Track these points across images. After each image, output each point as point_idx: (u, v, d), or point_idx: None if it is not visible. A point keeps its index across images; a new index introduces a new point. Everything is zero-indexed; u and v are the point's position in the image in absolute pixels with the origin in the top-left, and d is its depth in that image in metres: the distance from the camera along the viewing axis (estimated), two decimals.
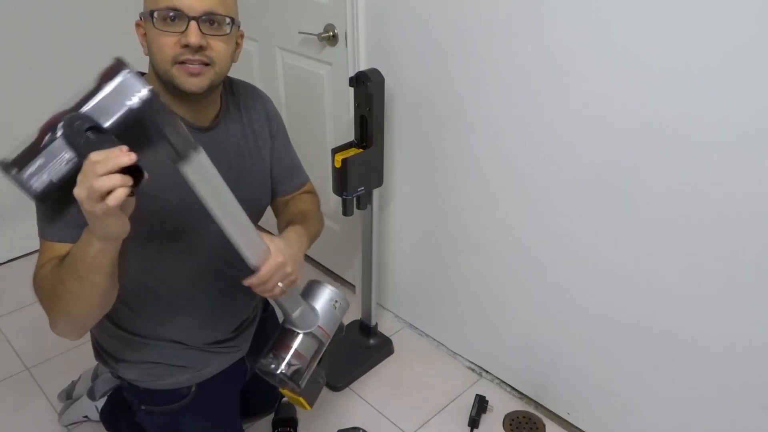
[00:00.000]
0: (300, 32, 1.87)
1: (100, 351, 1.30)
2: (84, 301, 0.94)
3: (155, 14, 0.98)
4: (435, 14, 1.49)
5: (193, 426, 1.34)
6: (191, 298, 1.22)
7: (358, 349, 1.93)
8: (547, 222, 1.48)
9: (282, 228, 1.25)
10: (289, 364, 1.11)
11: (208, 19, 1.00)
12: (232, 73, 1.14)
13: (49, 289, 0.96)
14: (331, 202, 2.11)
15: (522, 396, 1.77)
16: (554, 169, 1.41)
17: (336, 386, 1.80)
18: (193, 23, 0.98)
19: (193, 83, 1.02)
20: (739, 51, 1.05)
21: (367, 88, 1.51)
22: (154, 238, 1.10)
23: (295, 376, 1.11)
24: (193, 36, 0.98)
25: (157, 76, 1.04)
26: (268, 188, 1.30)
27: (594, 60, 1.24)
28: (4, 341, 1.98)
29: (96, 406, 1.61)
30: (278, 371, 1.11)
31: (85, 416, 1.64)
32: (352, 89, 1.57)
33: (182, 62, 1.00)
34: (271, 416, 1.68)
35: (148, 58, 1.06)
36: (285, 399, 1.70)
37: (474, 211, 1.65)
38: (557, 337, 1.60)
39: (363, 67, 1.71)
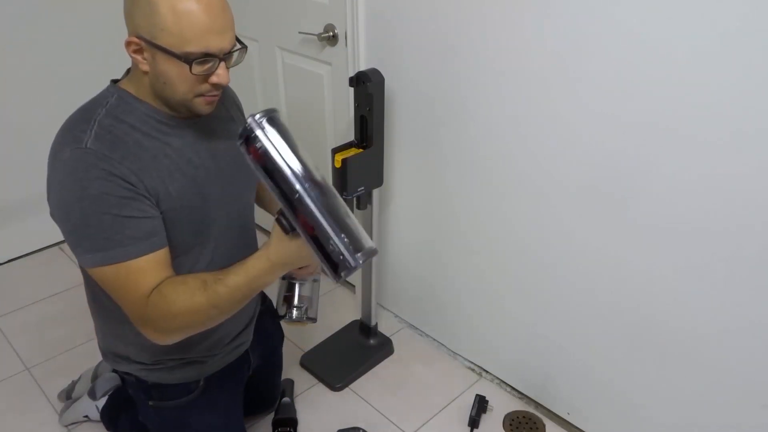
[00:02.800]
0: (300, 32, 1.87)
1: (109, 354, 1.30)
2: (227, 316, 1.05)
3: (195, 58, 0.97)
4: (435, 14, 1.49)
5: (201, 421, 1.34)
6: None
7: (358, 349, 1.93)
8: (548, 221, 1.48)
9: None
10: (300, 308, 1.34)
11: (230, 54, 1.03)
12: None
13: (195, 312, 1.00)
14: None
15: (522, 396, 1.77)
16: (554, 168, 1.41)
17: (336, 386, 1.80)
18: (223, 64, 1.02)
19: (209, 109, 1.08)
20: (742, 50, 1.05)
21: (367, 88, 1.51)
22: (195, 240, 1.16)
23: (310, 314, 1.35)
24: (225, 78, 1.03)
25: (155, 94, 1.05)
26: None
27: (595, 60, 1.24)
28: (4, 341, 1.98)
29: (96, 406, 1.61)
30: (294, 317, 1.34)
31: (86, 416, 1.64)
32: (352, 89, 1.57)
33: (201, 95, 1.04)
34: (271, 416, 1.68)
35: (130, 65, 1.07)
36: (285, 399, 1.71)
37: (474, 210, 1.65)
38: (557, 337, 1.60)
39: (363, 67, 1.71)
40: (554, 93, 1.34)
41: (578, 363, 1.58)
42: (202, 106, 1.06)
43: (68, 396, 1.70)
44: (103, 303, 1.17)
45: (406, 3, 1.55)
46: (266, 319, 1.47)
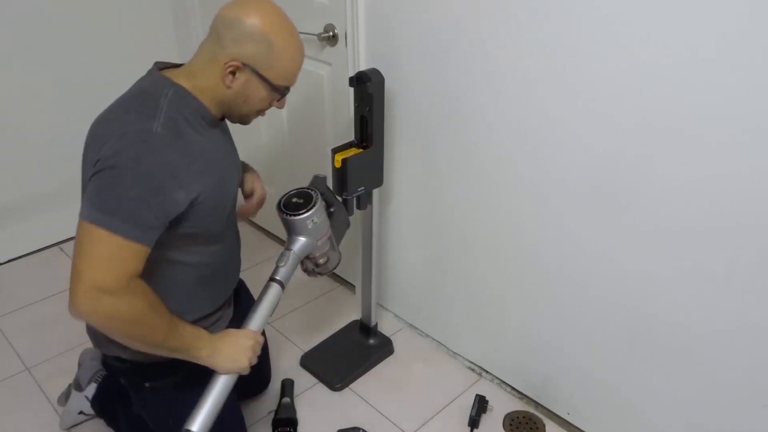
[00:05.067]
0: (300, 32, 1.86)
1: (102, 338, 1.30)
2: (156, 347, 1.14)
3: (284, 89, 1.22)
4: (435, 14, 1.49)
5: (195, 398, 1.35)
6: (224, 270, 1.37)
7: (358, 349, 1.93)
8: (548, 221, 1.48)
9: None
10: (307, 270, 1.49)
11: None
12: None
13: (154, 320, 1.09)
14: None
15: (522, 396, 1.77)
16: (554, 168, 1.41)
17: (336, 386, 1.80)
18: (287, 93, 1.25)
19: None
20: (739, 51, 1.05)
21: (367, 88, 1.51)
22: (223, 226, 1.28)
23: (321, 269, 1.48)
24: (285, 104, 1.28)
25: (220, 101, 1.19)
26: None
27: (594, 60, 1.24)
28: (4, 341, 1.98)
29: (86, 396, 1.60)
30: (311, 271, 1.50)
31: (81, 411, 1.62)
32: (352, 89, 1.57)
33: (261, 111, 1.26)
34: (271, 416, 1.68)
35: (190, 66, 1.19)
36: (285, 399, 1.71)
37: (474, 210, 1.65)
38: (557, 337, 1.60)
39: (363, 67, 1.71)
40: (554, 93, 1.34)
41: (578, 363, 1.58)
42: (252, 119, 1.27)
43: (67, 398, 1.70)
44: None
45: (406, 3, 1.55)
46: (242, 299, 1.53)
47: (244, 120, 1.26)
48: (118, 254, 1.03)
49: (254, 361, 1.21)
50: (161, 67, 1.21)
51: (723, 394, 1.31)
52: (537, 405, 1.74)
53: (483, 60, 1.44)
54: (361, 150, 1.59)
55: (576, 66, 1.27)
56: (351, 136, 1.65)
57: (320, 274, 1.51)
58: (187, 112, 1.14)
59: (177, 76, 1.17)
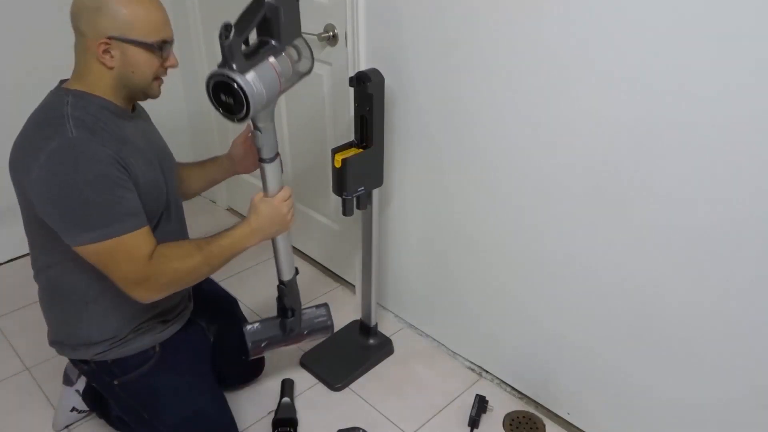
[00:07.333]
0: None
1: (67, 345, 1.37)
2: (213, 272, 1.29)
3: (159, 45, 1.19)
4: (435, 14, 1.49)
5: (166, 383, 1.40)
6: None
7: (358, 349, 1.93)
8: (548, 223, 1.48)
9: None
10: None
11: (173, 42, 1.25)
12: None
13: (192, 268, 1.23)
14: (331, 202, 2.11)
15: (522, 396, 1.77)
16: (555, 168, 1.41)
17: (336, 386, 1.80)
18: (172, 49, 1.24)
19: (159, 92, 1.28)
20: (735, 54, 1.05)
21: (367, 88, 1.51)
22: (163, 208, 1.33)
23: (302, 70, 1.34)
24: (176, 61, 1.26)
25: (116, 86, 1.21)
26: None
27: (596, 61, 1.24)
28: (4, 341, 1.98)
29: (77, 391, 1.61)
30: None
31: (73, 408, 1.62)
32: (352, 89, 1.57)
33: (157, 77, 1.25)
34: (271, 416, 1.68)
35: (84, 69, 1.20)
36: (285, 399, 1.71)
37: (474, 210, 1.65)
38: (558, 337, 1.60)
39: (363, 67, 1.71)
40: (555, 93, 1.34)
41: (579, 363, 1.58)
42: (156, 89, 1.26)
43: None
44: (64, 290, 1.30)
45: (406, 3, 1.55)
46: (204, 283, 1.59)
47: (148, 93, 1.26)
48: (131, 248, 1.16)
49: (293, 210, 1.37)
50: (63, 82, 1.25)
51: (723, 394, 1.31)
52: (537, 405, 1.74)
53: (484, 60, 1.44)
54: (361, 150, 1.59)
55: (579, 65, 1.27)
56: (351, 136, 1.65)
57: (307, 73, 1.32)
58: (92, 111, 1.18)
59: (70, 84, 1.21)
